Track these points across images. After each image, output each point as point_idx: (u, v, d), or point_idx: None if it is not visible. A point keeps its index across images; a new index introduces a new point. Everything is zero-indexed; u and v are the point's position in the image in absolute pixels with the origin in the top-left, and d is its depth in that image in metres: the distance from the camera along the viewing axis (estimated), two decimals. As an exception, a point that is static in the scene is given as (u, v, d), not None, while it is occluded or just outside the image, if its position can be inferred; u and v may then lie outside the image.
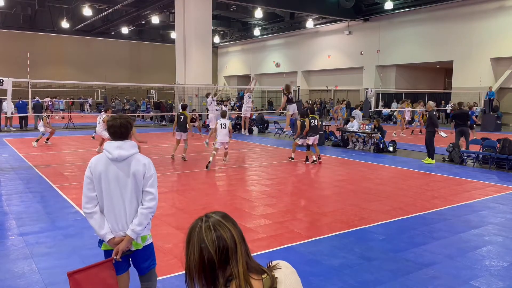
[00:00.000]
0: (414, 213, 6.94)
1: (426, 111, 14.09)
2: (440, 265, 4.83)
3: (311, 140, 11.53)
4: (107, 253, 3.12)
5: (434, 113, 12.38)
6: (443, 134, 12.60)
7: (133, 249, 3.09)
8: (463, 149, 12.61)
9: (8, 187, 8.53)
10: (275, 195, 8.19)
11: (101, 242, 3.13)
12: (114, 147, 3.01)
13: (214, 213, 1.49)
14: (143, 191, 3.03)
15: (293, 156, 12.18)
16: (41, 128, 15.07)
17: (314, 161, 11.76)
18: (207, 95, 19.53)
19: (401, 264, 4.85)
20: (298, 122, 11.80)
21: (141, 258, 3.14)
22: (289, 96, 15.16)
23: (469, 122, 13.04)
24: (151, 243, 3.21)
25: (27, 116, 20.45)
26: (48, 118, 14.83)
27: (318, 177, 10.14)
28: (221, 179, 9.82)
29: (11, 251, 5.18)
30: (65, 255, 5.03)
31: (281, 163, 11.97)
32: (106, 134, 12.62)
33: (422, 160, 12.28)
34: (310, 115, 11.67)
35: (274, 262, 1.50)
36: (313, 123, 11.57)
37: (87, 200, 3.01)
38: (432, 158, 12.13)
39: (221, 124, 10.99)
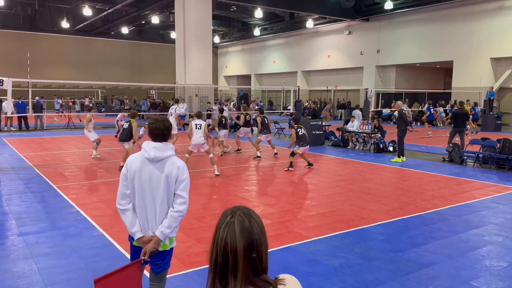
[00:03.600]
0: (414, 213, 6.95)
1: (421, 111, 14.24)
2: (440, 265, 4.83)
3: (301, 150, 10.87)
4: (135, 249, 3.18)
5: (404, 111, 12.62)
6: (415, 131, 12.82)
7: (160, 249, 3.12)
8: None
9: (8, 187, 8.53)
10: (275, 195, 8.19)
11: (132, 237, 3.19)
12: (151, 148, 3.05)
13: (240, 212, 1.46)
14: (174, 194, 3.06)
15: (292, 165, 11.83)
16: (94, 137, 12.56)
17: (310, 164, 11.20)
18: (176, 101, 18.24)
19: (401, 264, 4.85)
20: (293, 131, 11.00)
21: (162, 258, 3.17)
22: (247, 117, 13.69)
23: (467, 123, 13.22)
24: (172, 247, 3.24)
25: (26, 116, 20.43)
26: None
27: (318, 177, 10.13)
28: (220, 179, 9.81)
29: (11, 251, 5.18)
30: (65, 255, 5.02)
31: (282, 163, 11.96)
32: (93, 136, 12.33)
33: (391, 160, 12.35)
34: (295, 125, 11.07)
35: (281, 276, 1.51)
36: (301, 132, 10.91)
37: (122, 197, 3.09)
38: (403, 156, 12.27)
39: (195, 124, 10.10)
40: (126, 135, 10.50)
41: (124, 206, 3.09)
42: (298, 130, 10.92)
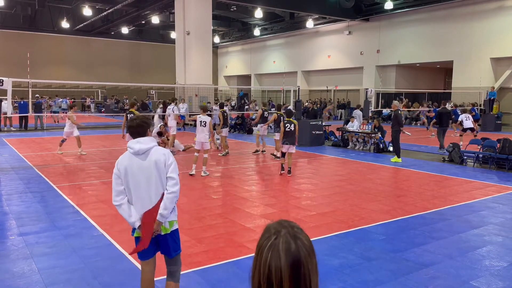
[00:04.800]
0: (414, 213, 6.94)
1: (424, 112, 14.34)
2: (440, 265, 4.83)
3: (284, 148, 9.98)
4: (138, 240, 3.43)
5: (400, 112, 12.63)
6: (408, 133, 12.84)
7: (162, 233, 3.40)
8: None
9: (8, 187, 8.53)
10: (275, 195, 8.19)
11: (133, 230, 3.46)
12: (134, 142, 3.39)
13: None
14: (166, 177, 3.37)
15: (275, 153, 12.33)
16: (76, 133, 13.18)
17: (288, 171, 10.13)
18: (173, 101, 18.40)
19: (401, 264, 4.85)
20: (281, 124, 10.21)
21: (169, 242, 3.43)
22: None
23: (450, 122, 13.40)
24: (177, 229, 3.51)
25: (27, 116, 20.44)
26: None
27: (318, 177, 10.13)
28: (221, 179, 9.81)
29: (11, 251, 5.18)
30: (65, 255, 5.02)
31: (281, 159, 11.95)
32: (75, 133, 12.84)
33: (391, 160, 12.36)
34: (286, 118, 10.22)
35: None
36: (288, 128, 9.88)
37: (116, 194, 3.37)
38: (399, 157, 12.26)
39: (200, 121, 9.80)
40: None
41: (120, 202, 3.35)
42: (286, 125, 9.88)
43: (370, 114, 19.28)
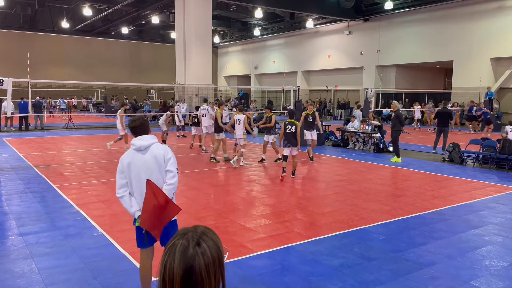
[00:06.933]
0: (414, 213, 6.94)
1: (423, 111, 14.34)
2: (440, 265, 4.83)
3: (286, 151, 9.64)
4: (139, 229, 3.68)
5: (401, 112, 12.62)
6: (407, 132, 12.85)
7: None
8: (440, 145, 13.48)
9: (8, 187, 8.53)
10: (275, 195, 8.19)
11: (135, 220, 3.70)
12: (137, 140, 3.68)
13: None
14: (166, 171, 3.63)
15: (279, 157, 11.70)
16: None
17: (293, 173, 9.91)
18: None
19: (401, 264, 4.85)
20: (282, 125, 9.93)
21: (168, 231, 3.60)
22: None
23: (449, 122, 13.36)
24: (176, 220, 3.72)
25: (27, 116, 20.44)
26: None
27: (318, 177, 10.13)
28: (221, 179, 9.81)
29: (11, 251, 5.18)
30: (65, 255, 5.02)
31: (281, 163, 11.95)
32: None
33: (391, 160, 12.36)
34: (288, 119, 9.80)
35: None
36: (289, 130, 9.56)
37: (119, 186, 3.67)
38: (398, 157, 12.27)
39: (236, 119, 11.08)
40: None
41: (122, 194, 3.66)
42: (287, 126, 9.58)
43: (371, 115, 19.30)
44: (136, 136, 3.73)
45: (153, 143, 3.69)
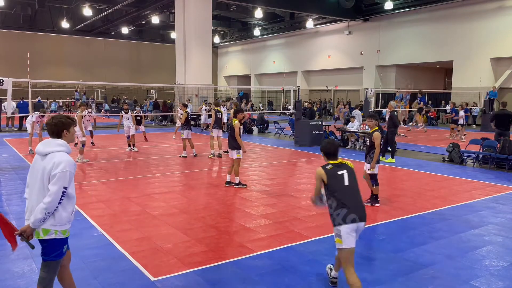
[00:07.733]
0: (414, 213, 6.95)
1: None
2: (440, 265, 4.84)
3: (214, 132, 12.23)
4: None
5: (396, 113, 12.62)
6: (403, 135, 12.80)
7: (35, 237, 3.35)
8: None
9: (8, 187, 8.52)
10: (275, 195, 8.19)
11: None
12: (41, 143, 3.31)
13: None
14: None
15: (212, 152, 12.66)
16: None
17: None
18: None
19: (401, 264, 4.85)
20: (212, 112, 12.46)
21: (42, 248, 3.42)
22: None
23: (509, 125, 12.23)
24: (55, 239, 3.35)
25: (27, 116, 20.41)
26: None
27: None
28: (221, 179, 9.81)
29: (11, 251, 5.17)
30: (65, 255, 5.01)
31: (281, 163, 11.96)
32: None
33: (384, 160, 12.30)
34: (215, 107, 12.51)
35: None
36: (218, 116, 12.24)
37: (27, 185, 3.39)
38: (393, 157, 12.27)
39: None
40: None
41: (26, 195, 3.38)
42: (217, 113, 12.57)
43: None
44: (51, 137, 3.33)
45: (54, 151, 3.22)
